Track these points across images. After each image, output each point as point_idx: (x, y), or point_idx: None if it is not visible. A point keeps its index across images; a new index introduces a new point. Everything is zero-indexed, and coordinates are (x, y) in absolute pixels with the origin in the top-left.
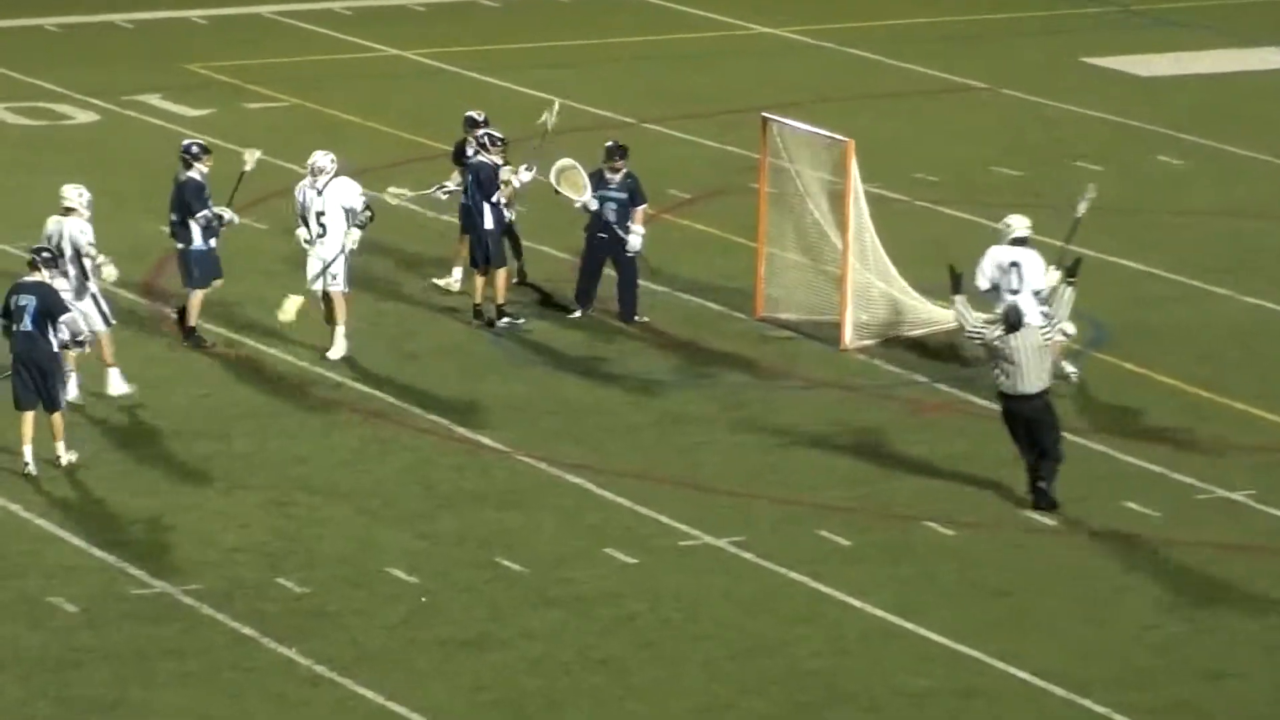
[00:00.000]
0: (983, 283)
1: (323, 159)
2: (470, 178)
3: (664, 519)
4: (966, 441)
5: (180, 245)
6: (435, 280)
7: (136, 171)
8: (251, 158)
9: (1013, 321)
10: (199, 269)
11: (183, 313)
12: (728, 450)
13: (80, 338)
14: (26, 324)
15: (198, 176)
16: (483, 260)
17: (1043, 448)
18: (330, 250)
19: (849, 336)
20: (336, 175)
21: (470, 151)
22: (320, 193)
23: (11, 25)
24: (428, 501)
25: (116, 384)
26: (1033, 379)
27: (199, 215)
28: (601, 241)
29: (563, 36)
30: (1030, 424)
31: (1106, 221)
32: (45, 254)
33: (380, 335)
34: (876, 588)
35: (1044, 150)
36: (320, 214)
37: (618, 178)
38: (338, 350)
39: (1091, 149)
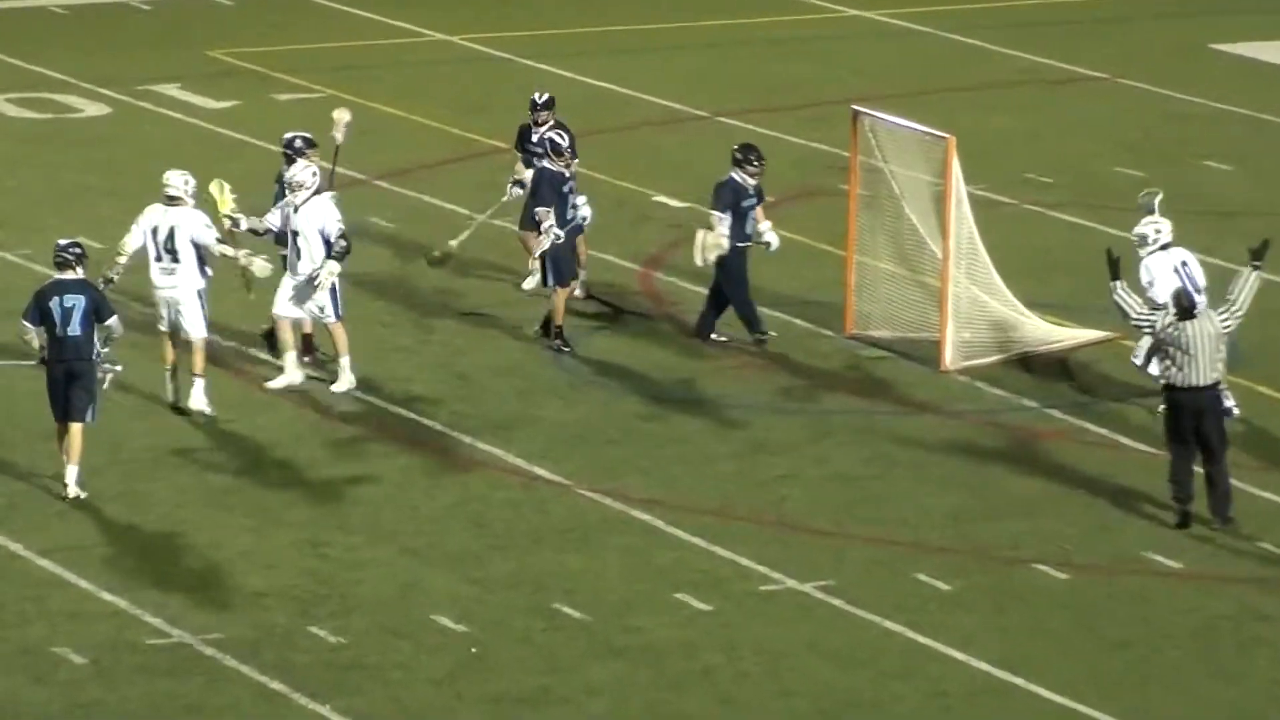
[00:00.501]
0: (1162, 294)
1: (303, 173)
2: (531, 184)
3: (743, 560)
4: (1081, 474)
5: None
6: (523, 286)
7: (151, 171)
8: (342, 121)
9: (1185, 306)
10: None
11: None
12: (814, 484)
13: (108, 369)
14: (75, 327)
15: (556, 168)
16: (542, 277)
17: (1210, 447)
18: (305, 276)
19: (949, 357)
20: (316, 192)
21: (535, 138)
22: (296, 210)
23: (13, 6)
24: (479, 541)
25: (199, 398)
26: (1206, 369)
27: (538, 211)
28: (743, 251)
29: (628, 20)
30: (1201, 419)
31: (1238, 226)
32: (77, 248)
33: (426, 354)
34: (981, 638)
35: (1169, 148)
36: (295, 234)
37: (755, 182)
38: (342, 384)
39: (1222, 147)
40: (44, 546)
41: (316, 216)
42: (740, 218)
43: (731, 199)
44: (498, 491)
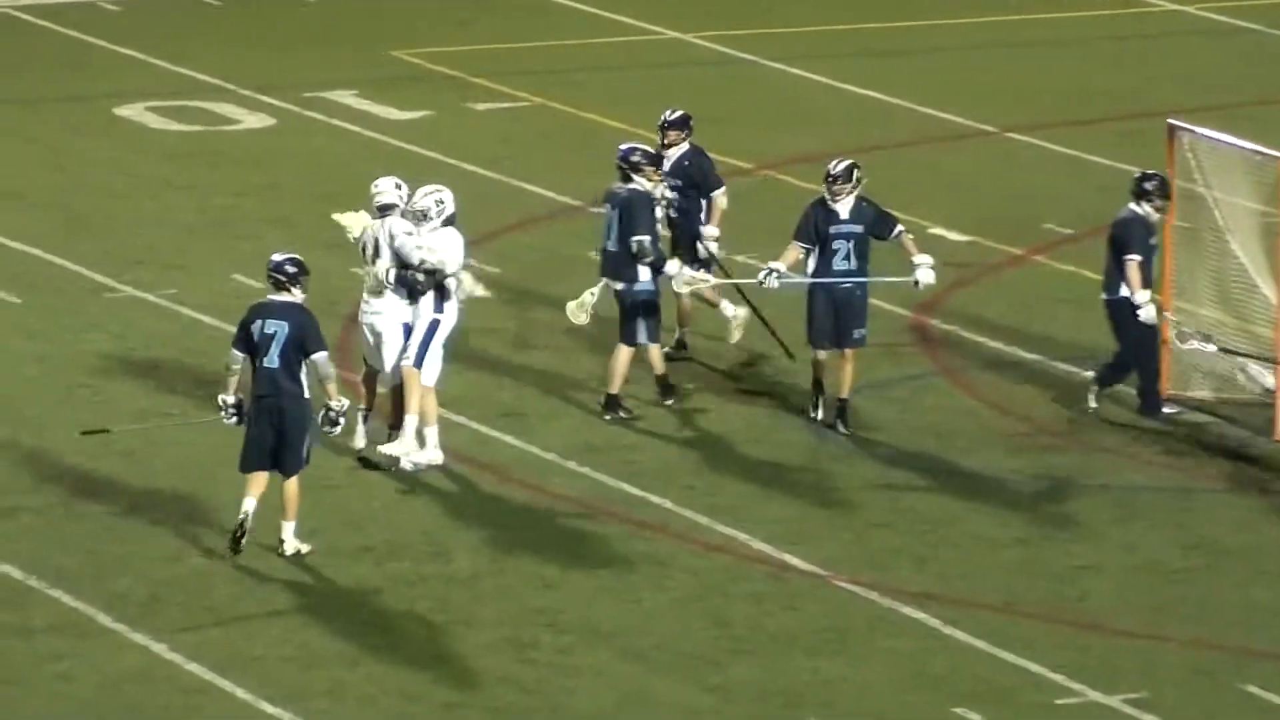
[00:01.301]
0: None
1: (424, 200)
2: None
3: (1034, 667)
4: None
5: (620, 285)
6: (730, 338)
7: (320, 192)
8: None
9: None
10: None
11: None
12: (1120, 575)
13: (336, 413)
14: (273, 358)
15: (644, 189)
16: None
17: None
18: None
19: None
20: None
21: (666, 165)
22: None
23: None
24: (717, 643)
25: (416, 450)
26: None
27: (643, 241)
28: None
29: (890, 17)
30: None
31: None
32: (292, 265)
33: (651, 419)
34: None
35: None
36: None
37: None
38: (398, 447)
39: None
40: (195, 648)
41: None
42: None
43: (1143, 241)
44: (739, 583)
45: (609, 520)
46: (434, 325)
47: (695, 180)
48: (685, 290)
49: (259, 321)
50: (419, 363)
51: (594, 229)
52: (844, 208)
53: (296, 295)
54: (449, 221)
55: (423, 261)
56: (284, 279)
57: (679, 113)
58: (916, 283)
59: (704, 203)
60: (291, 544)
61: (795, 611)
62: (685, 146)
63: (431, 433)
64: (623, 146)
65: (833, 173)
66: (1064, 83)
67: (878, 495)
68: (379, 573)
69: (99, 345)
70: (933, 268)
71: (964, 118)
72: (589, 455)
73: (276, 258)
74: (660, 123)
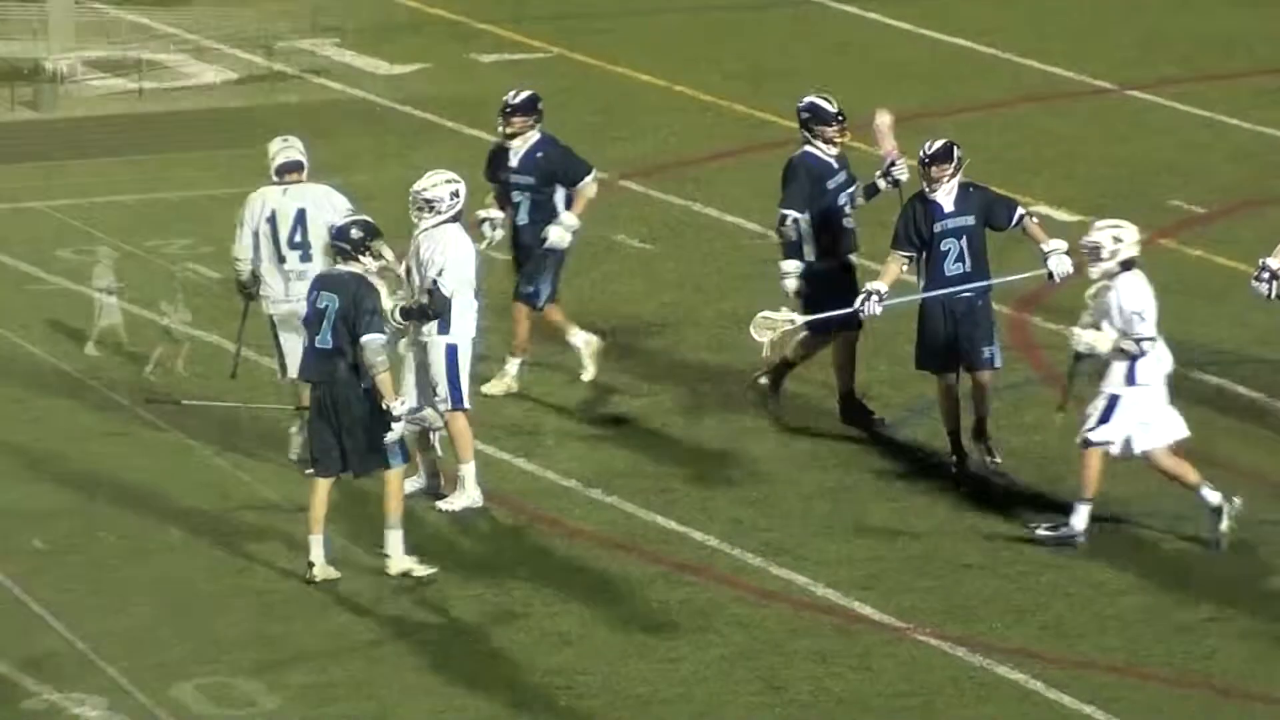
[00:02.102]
0: None
1: (440, 188)
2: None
3: None
4: None
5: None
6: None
7: None
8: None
9: None
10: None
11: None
12: (1246, 631)
13: (424, 418)
14: (325, 337)
15: (820, 153)
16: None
17: None
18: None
19: None
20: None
21: (512, 158)
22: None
23: None
24: (772, 711)
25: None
26: None
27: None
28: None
29: None
30: None
31: None
32: (358, 231)
33: (692, 436)
34: None
35: None
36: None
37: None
38: (460, 500)
39: None
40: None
41: (446, 249)
42: None
43: None
44: (799, 639)
45: (640, 561)
46: (452, 351)
47: (553, 174)
48: (764, 339)
49: (315, 293)
50: (459, 402)
51: (630, 210)
52: (946, 198)
53: (366, 264)
54: (455, 218)
55: (435, 283)
56: (348, 247)
57: (524, 94)
58: (1050, 275)
59: (561, 198)
60: (401, 562)
61: (867, 672)
62: (535, 136)
63: (469, 470)
64: (338, 223)
65: (928, 154)
66: (1198, 28)
67: (965, 533)
68: (360, 624)
69: None
70: (1067, 254)
71: (1072, 71)
72: (615, 481)
73: (339, 223)
74: (502, 108)
